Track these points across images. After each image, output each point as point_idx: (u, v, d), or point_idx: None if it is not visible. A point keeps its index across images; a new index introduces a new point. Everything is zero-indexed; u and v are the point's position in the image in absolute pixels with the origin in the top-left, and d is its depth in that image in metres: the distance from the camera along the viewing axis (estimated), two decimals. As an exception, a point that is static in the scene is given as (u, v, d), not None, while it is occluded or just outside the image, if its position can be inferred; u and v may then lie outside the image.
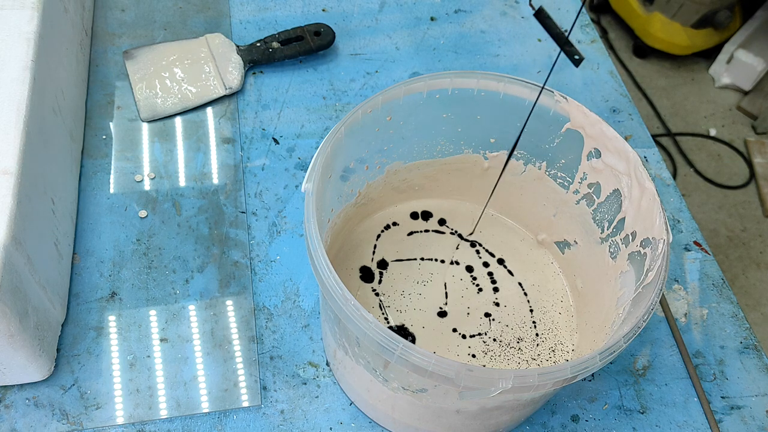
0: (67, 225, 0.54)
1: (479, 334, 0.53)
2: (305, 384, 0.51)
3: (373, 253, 0.56)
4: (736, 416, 0.53)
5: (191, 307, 0.54)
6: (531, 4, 0.74)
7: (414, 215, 0.58)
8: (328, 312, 0.43)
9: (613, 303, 0.48)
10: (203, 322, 0.53)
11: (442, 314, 0.53)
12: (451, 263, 0.56)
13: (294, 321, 0.54)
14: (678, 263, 0.60)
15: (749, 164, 1.64)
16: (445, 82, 0.47)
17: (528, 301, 0.55)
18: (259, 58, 0.68)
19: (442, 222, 0.58)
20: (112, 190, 0.59)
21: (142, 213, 0.58)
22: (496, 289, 0.55)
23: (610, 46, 1.87)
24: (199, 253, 0.57)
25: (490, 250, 0.57)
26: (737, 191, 1.60)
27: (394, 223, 0.58)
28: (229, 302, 0.54)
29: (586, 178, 0.50)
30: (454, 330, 0.53)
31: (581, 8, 0.47)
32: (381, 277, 0.55)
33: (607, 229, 0.50)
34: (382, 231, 0.57)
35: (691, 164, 1.66)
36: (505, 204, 0.59)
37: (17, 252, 0.42)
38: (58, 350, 0.50)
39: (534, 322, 0.54)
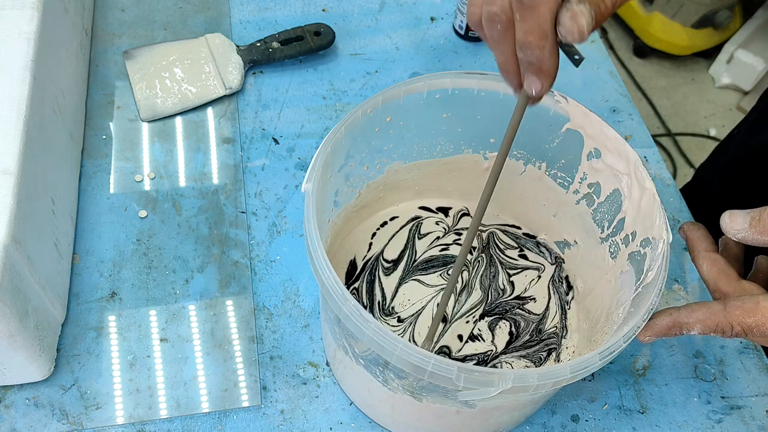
0: (67, 225, 0.54)
1: (483, 330, 0.53)
2: (305, 384, 0.51)
3: (368, 250, 0.56)
4: (736, 416, 0.53)
5: (191, 307, 0.54)
6: None
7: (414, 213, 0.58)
8: (328, 312, 0.43)
9: (613, 303, 0.48)
10: (203, 322, 0.53)
11: (445, 319, 0.53)
12: (450, 262, 0.56)
13: (294, 321, 0.54)
14: (678, 263, 0.60)
15: (749, 164, 1.64)
16: (445, 82, 0.47)
17: (530, 297, 0.55)
18: (259, 58, 0.68)
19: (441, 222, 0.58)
20: (112, 190, 0.59)
21: (142, 213, 0.58)
22: (496, 289, 0.55)
23: (610, 46, 1.87)
24: (199, 253, 0.57)
25: (489, 250, 0.57)
26: (737, 191, 1.59)
27: (393, 218, 0.58)
28: (229, 302, 0.54)
29: (586, 178, 0.50)
30: (457, 335, 0.53)
31: None
32: (378, 278, 0.55)
33: (607, 229, 0.50)
34: (378, 228, 0.57)
35: (691, 164, 1.66)
36: (505, 204, 0.59)
37: (17, 252, 0.42)
38: (58, 350, 0.50)
39: (533, 322, 0.54)
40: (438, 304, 0.53)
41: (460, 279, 0.55)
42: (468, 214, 0.59)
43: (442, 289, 0.54)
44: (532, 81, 0.35)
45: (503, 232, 0.58)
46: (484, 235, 0.58)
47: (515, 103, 0.39)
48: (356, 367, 0.44)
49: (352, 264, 0.55)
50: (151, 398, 0.50)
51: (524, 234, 0.58)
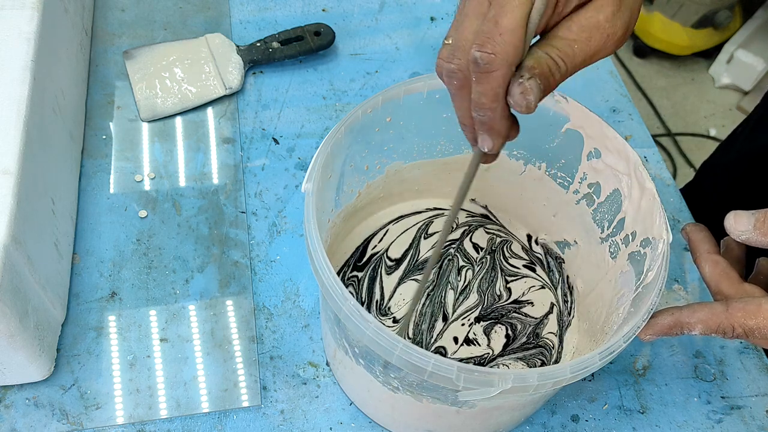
0: (67, 225, 0.54)
1: (478, 334, 0.53)
2: (305, 384, 0.51)
3: (371, 250, 0.56)
4: (736, 416, 0.53)
5: (191, 307, 0.54)
6: None
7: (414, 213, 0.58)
8: (328, 312, 0.43)
9: (613, 303, 0.48)
10: (203, 322, 0.53)
11: (445, 318, 0.53)
12: (449, 261, 0.56)
13: (294, 321, 0.54)
14: (678, 263, 0.60)
15: (749, 164, 1.64)
16: (445, 82, 0.47)
17: (527, 301, 0.55)
18: (259, 58, 0.68)
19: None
20: (112, 190, 0.59)
21: (142, 213, 0.58)
22: (492, 295, 0.55)
23: (610, 46, 1.87)
24: (199, 253, 0.57)
25: (489, 249, 0.57)
26: (737, 191, 1.59)
27: (394, 221, 0.58)
28: (229, 302, 0.54)
29: (586, 178, 0.50)
30: (453, 338, 0.53)
31: None
32: (380, 275, 0.55)
33: (607, 229, 0.50)
34: (379, 230, 0.57)
35: (691, 164, 1.66)
36: (505, 204, 0.59)
37: (17, 252, 0.42)
38: (58, 350, 0.50)
39: (531, 325, 0.54)
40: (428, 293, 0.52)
41: (462, 278, 0.55)
42: (476, 215, 0.59)
43: (434, 284, 0.55)
44: (484, 139, 0.37)
45: (520, 244, 0.58)
46: (497, 240, 0.58)
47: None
48: (356, 367, 0.44)
49: (362, 252, 0.55)
50: (151, 398, 0.50)
51: (532, 248, 0.58)
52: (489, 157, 0.40)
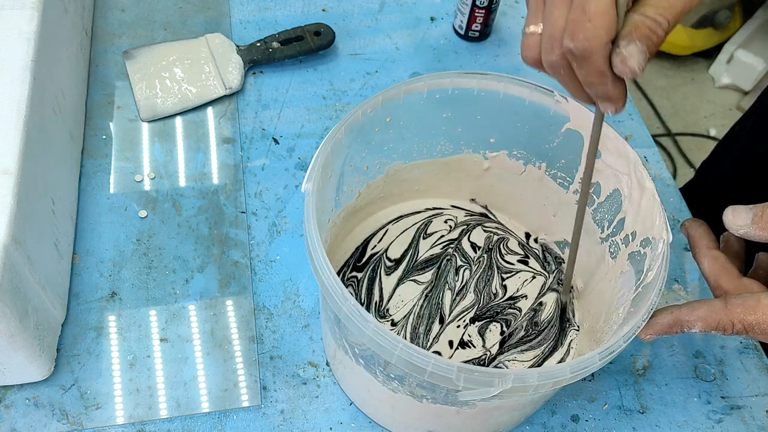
0: (67, 225, 0.54)
1: (473, 335, 0.53)
2: (305, 384, 0.51)
3: (371, 250, 0.56)
4: (736, 416, 0.53)
5: (191, 307, 0.54)
6: None
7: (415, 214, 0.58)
8: (328, 312, 0.43)
9: (613, 303, 0.48)
10: (203, 322, 0.53)
11: (441, 320, 0.53)
12: (447, 261, 0.56)
13: (294, 321, 0.54)
14: (678, 263, 0.61)
15: (749, 164, 1.64)
16: (445, 82, 0.47)
17: (521, 296, 0.55)
18: (259, 58, 0.68)
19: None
20: (112, 190, 0.59)
21: (142, 213, 0.58)
22: (488, 294, 0.55)
23: (610, 46, 1.87)
24: (199, 253, 0.57)
25: (486, 248, 0.57)
26: (737, 191, 1.59)
27: (394, 221, 0.58)
28: (229, 302, 0.54)
29: (586, 178, 0.50)
30: (451, 340, 0.53)
31: None
32: (380, 276, 0.55)
33: (607, 229, 0.50)
34: (379, 230, 0.57)
35: (691, 164, 1.66)
36: (505, 204, 0.59)
37: (17, 252, 0.42)
38: (58, 350, 0.50)
39: (527, 317, 0.54)
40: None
41: (459, 278, 0.55)
42: (474, 214, 0.59)
43: (433, 285, 0.54)
44: (606, 107, 0.36)
45: (516, 240, 0.58)
46: (494, 238, 0.58)
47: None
48: (356, 367, 0.44)
49: (361, 252, 0.55)
50: (151, 398, 0.50)
51: (528, 243, 0.58)
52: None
